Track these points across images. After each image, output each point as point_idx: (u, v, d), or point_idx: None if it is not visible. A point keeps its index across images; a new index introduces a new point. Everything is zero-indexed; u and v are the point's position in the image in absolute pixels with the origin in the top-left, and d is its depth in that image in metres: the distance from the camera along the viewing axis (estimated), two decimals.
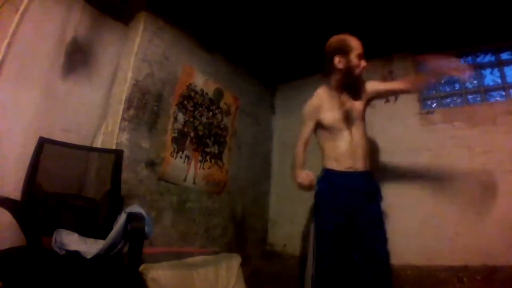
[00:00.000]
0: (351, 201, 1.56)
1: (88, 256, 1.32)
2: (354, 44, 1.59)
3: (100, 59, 2.24)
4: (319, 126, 1.70)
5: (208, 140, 2.68)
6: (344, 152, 1.61)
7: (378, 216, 1.57)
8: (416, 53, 2.78)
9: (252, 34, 2.78)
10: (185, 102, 2.51)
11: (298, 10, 2.48)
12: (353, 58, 1.58)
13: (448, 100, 2.76)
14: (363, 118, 1.71)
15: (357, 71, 1.59)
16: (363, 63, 1.59)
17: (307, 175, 1.54)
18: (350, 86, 1.68)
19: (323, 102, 1.70)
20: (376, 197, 1.62)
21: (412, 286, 2.14)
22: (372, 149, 1.98)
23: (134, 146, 2.10)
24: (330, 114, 1.66)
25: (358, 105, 1.69)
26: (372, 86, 1.75)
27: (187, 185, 2.44)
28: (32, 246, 1.25)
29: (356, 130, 1.64)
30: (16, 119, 1.76)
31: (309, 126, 1.71)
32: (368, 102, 1.76)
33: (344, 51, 1.60)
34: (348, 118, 1.64)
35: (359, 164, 1.60)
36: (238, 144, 3.00)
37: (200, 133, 2.61)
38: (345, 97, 1.68)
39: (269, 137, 3.44)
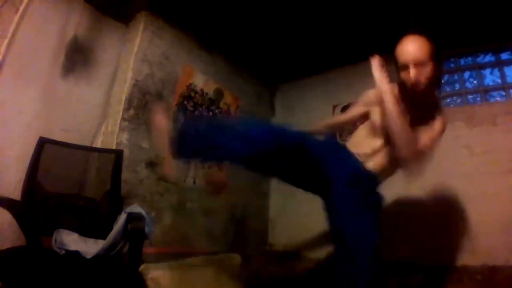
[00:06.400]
0: None
1: (88, 256, 1.32)
2: (400, 50, 1.24)
3: (100, 59, 2.24)
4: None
5: None
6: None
7: None
8: None
9: (252, 34, 2.77)
10: (185, 102, 2.51)
11: (298, 10, 2.48)
12: (401, 69, 1.24)
13: (448, 100, 2.76)
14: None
15: (408, 85, 1.22)
16: (411, 74, 1.18)
17: None
18: (416, 105, 1.32)
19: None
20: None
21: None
22: None
23: (134, 146, 2.10)
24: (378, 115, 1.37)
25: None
26: (431, 129, 1.37)
27: (187, 185, 2.44)
28: (32, 246, 1.25)
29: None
30: (16, 119, 1.75)
31: (356, 109, 1.49)
32: None
33: (397, 60, 1.26)
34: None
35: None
36: None
37: None
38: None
39: None
